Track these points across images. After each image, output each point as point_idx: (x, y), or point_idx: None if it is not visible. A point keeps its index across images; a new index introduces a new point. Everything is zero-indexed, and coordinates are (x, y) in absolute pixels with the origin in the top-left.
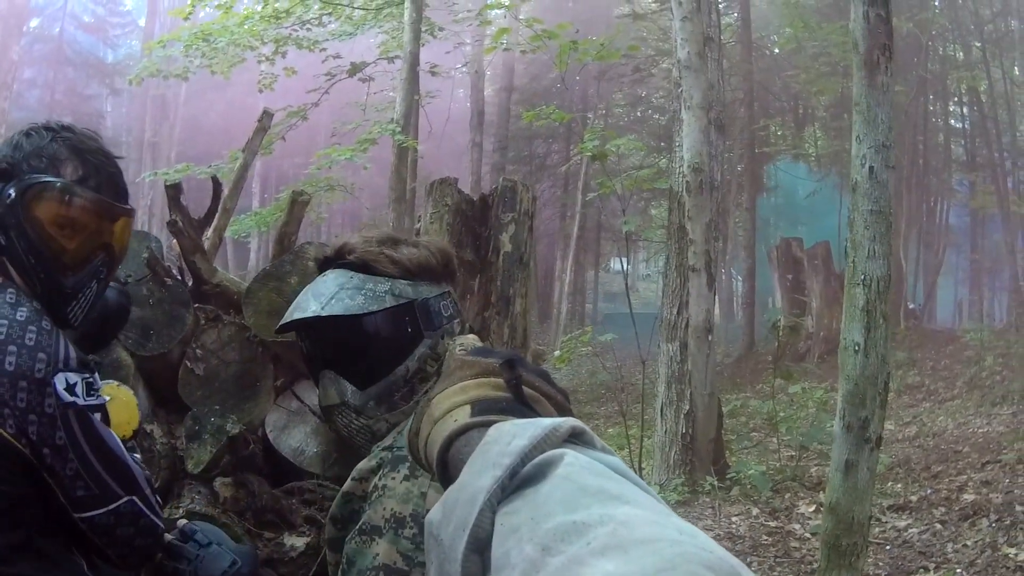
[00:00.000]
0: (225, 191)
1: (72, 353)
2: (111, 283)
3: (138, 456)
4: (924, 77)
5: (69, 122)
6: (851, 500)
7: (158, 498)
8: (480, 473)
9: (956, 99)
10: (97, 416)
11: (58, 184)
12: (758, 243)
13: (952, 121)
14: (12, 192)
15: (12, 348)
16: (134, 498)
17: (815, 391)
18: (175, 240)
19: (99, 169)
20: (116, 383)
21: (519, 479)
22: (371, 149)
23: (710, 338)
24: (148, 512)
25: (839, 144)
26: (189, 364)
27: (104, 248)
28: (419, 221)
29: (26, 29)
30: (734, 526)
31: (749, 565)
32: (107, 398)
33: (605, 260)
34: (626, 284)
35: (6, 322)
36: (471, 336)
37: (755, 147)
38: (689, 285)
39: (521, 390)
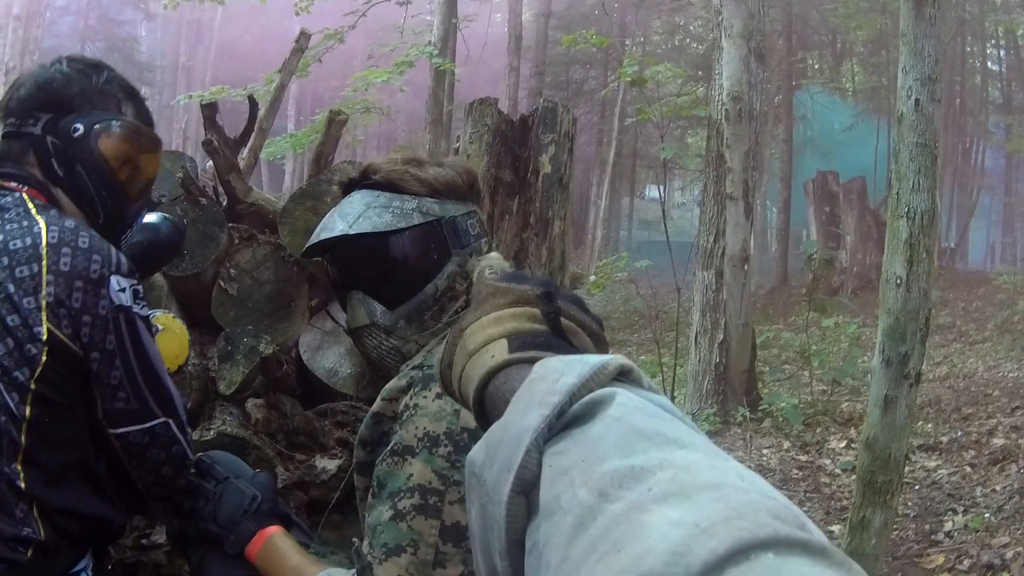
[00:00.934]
0: (261, 112)
1: (123, 259)
2: (166, 216)
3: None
4: (963, 18)
5: (98, 60)
6: (888, 436)
7: (189, 429)
8: (526, 411)
9: (994, 41)
10: (142, 326)
11: (127, 123)
12: (794, 175)
13: (989, 63)
14: (80, 127)
15: (66, 250)
16: (169, 421)
17: (848, 326)
18: (210, 160)
19: (143, 109)
20: (172, 314)
21: (567, 418)
22: (407, 73)
23: (746, 268)
24: (181, 439)
25: (877, 80)
26: (223, 284)
27: (152, 181)
28: (458, 141)
29: None
30: (765, 459)
31: None
32: (160, 327)
33: (641, 187)
34: (663, 211)
35: (56, 228)
36: (494, 255)
37: (792, 79)
38: (726, 213)
39: (559, 322)
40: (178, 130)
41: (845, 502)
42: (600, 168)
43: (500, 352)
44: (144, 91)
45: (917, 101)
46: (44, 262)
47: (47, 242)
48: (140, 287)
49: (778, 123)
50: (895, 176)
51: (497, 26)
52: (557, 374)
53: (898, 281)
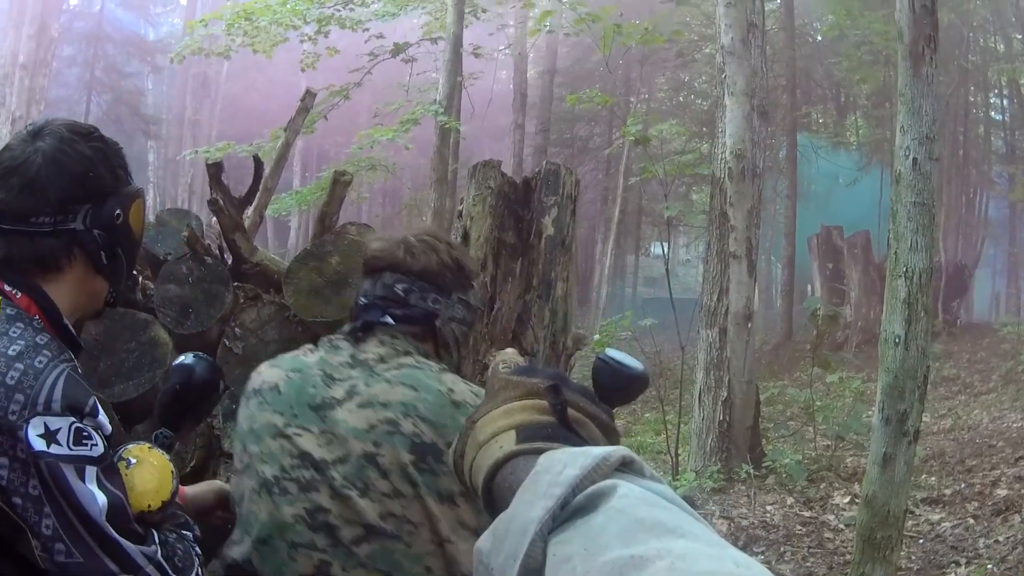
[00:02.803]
0: (266, 170)
1: (59, 394)
2: (200, 355)
3: (188, 534)
4: (965, 68)
5: (91, 126)
6: (887, 493)
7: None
8: (531, 503)
9: (997, 91)
10: (90, 470)
11: (140, 190)
12: (798, 230)
13: (992, 113)
14: (120, 211)
15: None
16: None
17: (852, 381)
18: (215, 218)
19: (128, 169)
20: (149, 445)
21: (570, 509)
22: (413, 130)
23: (749, 325)
24: None
25: (880, 133)
26: (228, 343)
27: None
28: (461, 203)
29: (65, 7)
30: (768, 515)
31: (783, 555)
32: (132, 460)
33: (645, 245)
34: (667, 269)
35: None
36: (510, 350)
37: (796, 134)
38: (730, 272)
39: (566, 413)
40: (184, 184)
41: (848, 556)
42: (605, 226)
43: (508, 443)
44: (150, 144)
45: (915, 160)
46: None
47: None
48: (88, 424)
49: (782, 178)
50: (893, 236)
51: (502, 83)
52: (561, 466)
53: (896, 340)
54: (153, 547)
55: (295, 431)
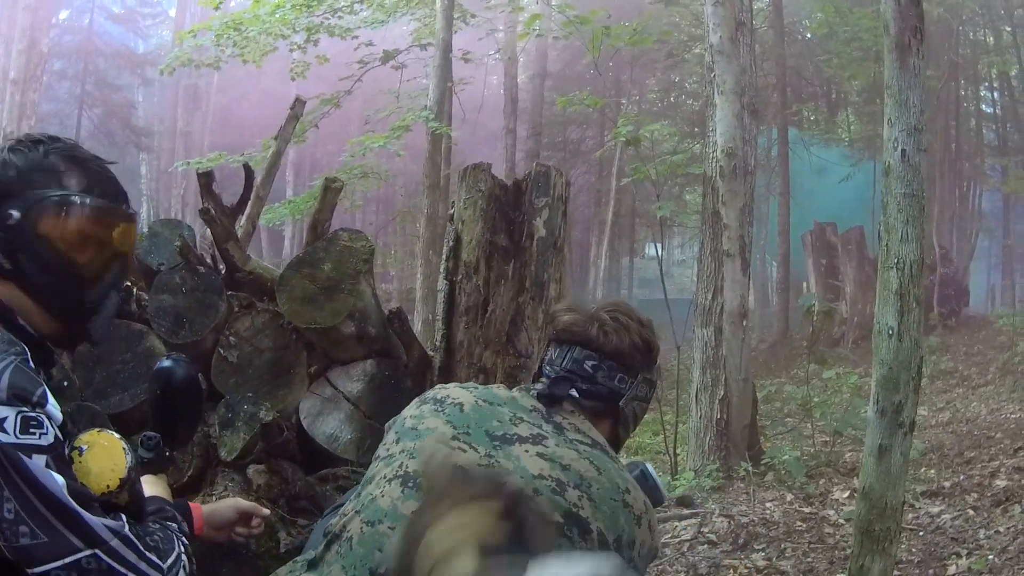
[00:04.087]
0: (258, 179)
1: (4, 383)
2: (174, 357)
3: (173, 525)
4: (955, 62)
5: (52, 133)
6: (884, 485)
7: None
8: None
9: (987, 84)
10: (39, 458)
11: (69, 196)
12: (792, 228)
13: (983, 106)
14: (15, 212)
15: None
16: (98, 552)
17: (849, 376)
18: (208, 228)
19: (100, 175)
20: (97, 429)
21: None
22: (405, 137)
23: (745, 323)
24: (127, 567)
25: (872, 129)
26: (222, 352)
27: (117, 257)
28: (452, 207)
29: (55, 21)
30: (768, 512)
31: (783, 552)
32: (84, 447)
33: (640, 246)
34: (660, 270)
35: None
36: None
37: (788, 132)
38: (724, 270)
39: (521, 518)
40: (177, 196)
41: (849, 551)
42: (599, 228)
43: (468, 564)
44: (142, 157)
45: (903, 152)
46: None
47: None
48: (37, 412)
49: (775, 176)
50: (883, 228)
51: (493, 88)
52: None
53: (890, 332)
54: (119, 522)
55: (460, 445)
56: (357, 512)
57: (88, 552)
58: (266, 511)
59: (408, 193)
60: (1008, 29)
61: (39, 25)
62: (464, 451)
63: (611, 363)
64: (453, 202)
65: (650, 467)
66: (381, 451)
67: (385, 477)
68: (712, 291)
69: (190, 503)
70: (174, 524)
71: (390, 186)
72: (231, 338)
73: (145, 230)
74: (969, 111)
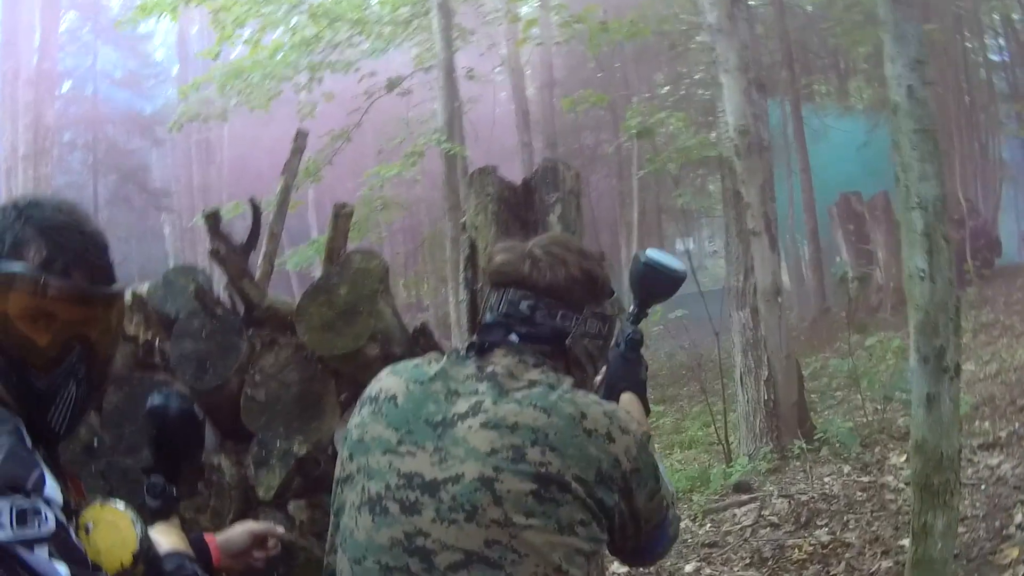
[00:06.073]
0: (269, 215)
1: None
2: (164, 392)
3: None
4: (958, 14)
5: (40, 198)
6: (937, 435)
7: None
8: None
9: (991, 32)
10: (41, 550)
11: (17, 271)
12: (817, 203)
13: (991, 55)
14: None
15: None
16: None
17: (892, 341)
18: (221, 269)
19: (66, 248)
20: (100, 503)
21: None
22: (421, 163)
23: (780, 300)
24: None
25: (884, 92)
26: (249, 391)
27: (80, 339)
28: (464, 215)
29: (59, 93)
30: (827, 486)
31: (846, 524)
32: (90, 525)
33: (668, 241)
34: (689, 260)
35: None
36: None
37: (800, 107)
38: (752, 250)
39: None
40: (203, 252)
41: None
42: (626, 229)
43: None
44: (163, 218)
45: (909, 88)
46: None
47: None
48: (34, 499)
49: (793, 154)
50: (900, 168)
51: (503, 104)
52: None
53: (921, 274)
54: None
55: (407, 448)
56: (342, 549)
57: None
58: (281, 530)
59: (432, 219)
60: None
61: (43, 98)
62: (413, 455)
63: (549, 300)
64: (464, 209)
65: (651, 251)
66: (339, 470)
67: (353, 505)
68: (743, 272)
69: (205, 535)
70: None
71: (413, 215)
72: (256, 376)
73: (160, 280)
74: (977, 62)
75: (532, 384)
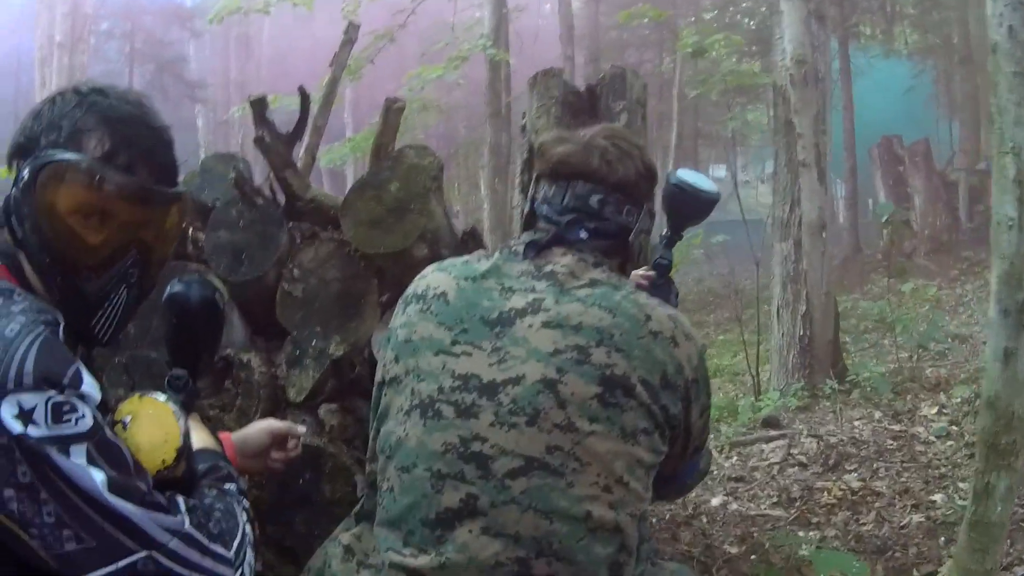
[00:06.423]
0: (315, 108)
1: (30, 366)
2: (185, 279)
3: (231, 487)
4: None
5: (106, 84)
6: (1011, 393)
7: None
8: None
9: None
10: (78, 449)
11: (75, 162)
12: (856, 143)
13: None
14: (25, 173)
15: None
16: (154, 554)
17: (928, 289)
18: (264, 157)
19: (132, 142)
20: (139, 395)
21: None
22: (462, 69)
23: (824, 235)
24: (184, 569)
25: (930, 39)
26: (286, 286)
27: (136, 243)
28: (524, 117)
29: None
30: (856, 431)
31: (876, 472)
32: (127, 419)
33: (704, 167)
34: (735, 183)
35: None
36: None
37: (848, 45)
38: (800, 181)
39: None
40: (236, 146)
41: (943, 470)
42: (663, 152)
43: None
44: (197, 109)
45: (1010, 28)
46: None
47: None
48: (70, 397)
49: (837, 90)
50: (995, 111)
51: (547, 18)
52: None
53: (1010, 223)
54: (179, 516)
55: (463, 348)
56: (388, 457)
57: (143, 554)
58: (302, 429)
59: (470, 126)
60: None
61: None
62: (469, 355)
63: (618, 195)
64: (524, 113)
65: (682, 171)
66: (381, 373)
67: (401, 409)
68: (789, 203)
69: (220, 433)
70: (232, 485)
71: (450, 120)
72: (295, 271)
73: (197, 168)
74: None
75: (594, 283)
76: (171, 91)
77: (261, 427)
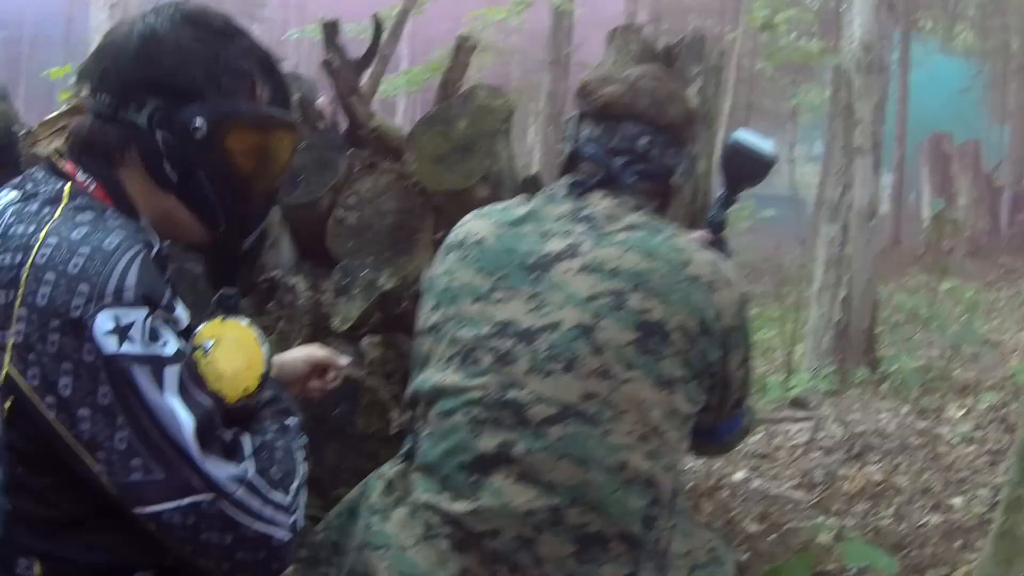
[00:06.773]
0: (385, 35)
1: (132, 280)
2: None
3: (291, 423)
4: None
5: (227, 15)
6: None
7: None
8: None
9: None
10: (171, 373)
11: (267, 113)
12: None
13: None
14: (203, 124)
15: (50, 276)
16: (218, 498)
17: (965, 291)
18: (331, 81)
19: (281, 83)
20: (221, 317)
21: None
22: (523, 15)
23: (872, 223)
24: (245, 517)
25: (992, 42)
26: (340, 213)
27: (284, 172)
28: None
29: None
30: (883, 423)
31: (897, 467)
32: (209, 343)
33: None
34: (789, 159)
35: (53, 242)
36: None
37: (910, 37)
38: (855, 167)
39: None
40: (290, 67)
41: (964, 474)
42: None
43: None
44: (253, 27)
45: None
46: (21, 290)
47: (32, 262)
48: (164, 318)
49: (894, 80)
50: None
51: None
52: None
53: None
54: (243, 465)
55: (501, 294)
56: (428, 404)
57: (209, 496)
58: (345, 360)
59: (524, 71)
60: None
61: None
62: (507, 301)
63: (664, 138)
64: (597, 65)
65: (740, 132)
66: (420, 322)
67: (442, 357)
68: (842, 187)
69: None
70: (293, 420)
71: (504, 65)
72: (351, 199)
73: None
74: None
75: (632, 227)
76: (228, 4)
77: (302, 354)
